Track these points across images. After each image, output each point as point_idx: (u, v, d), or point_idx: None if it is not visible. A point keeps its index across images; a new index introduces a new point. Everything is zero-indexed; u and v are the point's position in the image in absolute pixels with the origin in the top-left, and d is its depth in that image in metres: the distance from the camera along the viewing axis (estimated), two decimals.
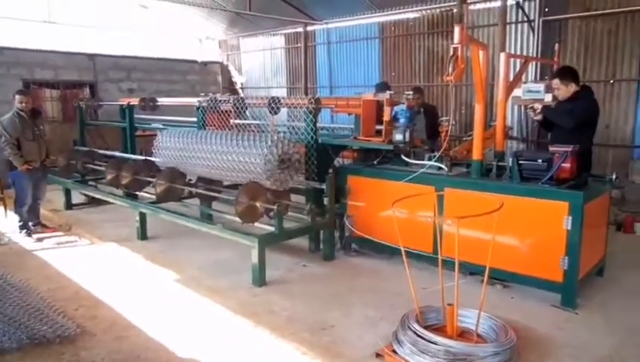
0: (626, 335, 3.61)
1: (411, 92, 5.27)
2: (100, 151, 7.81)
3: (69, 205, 7.62)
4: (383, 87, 7.54)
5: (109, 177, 6.51)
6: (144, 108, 8.07)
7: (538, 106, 4.87)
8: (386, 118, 5.05)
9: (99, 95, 11.13)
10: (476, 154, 4.52)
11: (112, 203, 6.85)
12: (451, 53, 3.79)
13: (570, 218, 3.89)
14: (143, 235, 6.04)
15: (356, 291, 4.43)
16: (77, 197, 7.77)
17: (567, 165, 4.17)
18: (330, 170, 5.40)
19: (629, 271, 4.94)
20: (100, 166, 7.09)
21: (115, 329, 3.74)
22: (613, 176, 4.53)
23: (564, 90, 4.84)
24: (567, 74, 4.89)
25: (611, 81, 7.05)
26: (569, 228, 3.90)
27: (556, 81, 4.87)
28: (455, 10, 8.06)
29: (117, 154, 7.51)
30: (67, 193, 7.61)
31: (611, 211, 6.09)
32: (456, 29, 3.80)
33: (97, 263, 5.27)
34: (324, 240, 5.29)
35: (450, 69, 3.76)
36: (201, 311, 4.07)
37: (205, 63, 13.63)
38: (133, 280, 4.77)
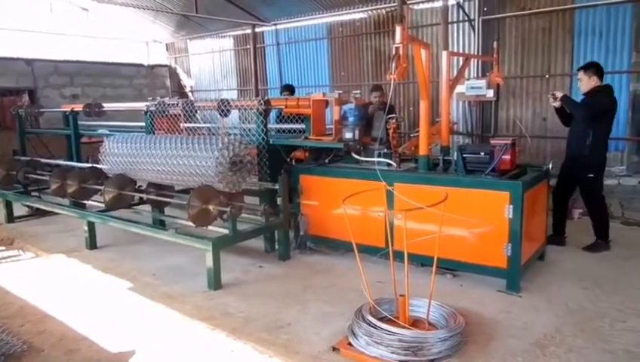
0: (565, 315, 3.85)
1: (358, 92, 5.37)
2: (43, 160, 7.50)
3: (11, 218, 7.26)
4: (287, 88, 7.75)
5: (53, 187, 6.28)
6: (89, 115, 7.82)
7: (559, 94, 5.22)
8: (336, 117, 5.14)
9: (39, 102, 10.68)
10: (422, 150, 4.67)
11: (58, 213, 6.61)
12: (394, 52, 3.92)
13: (511, 207, 4.10)
14: (92, 245, 5.86)
15: (312, 289, 4.49)
16: (19, 210, 7.42)
17: (507, 157, 4.40)
18: (283, 170, 5.44)
19: (567, 254, 5.25)
20: (44, 175, 6.81)
21: (64, 342, 3.62)
22: (550, 166, 4.80)
23: (586, 81, 5.17)
24: (591, 67, 5.22)
25: (547, 76, 7.45)
26: (510, 216, 4.11)
27: (580, 73, 5.24)
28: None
29: (61, 162, 7.24)
30: (8, 205, 7.25)
31: (551, 199, 6.46)
32: (398, 29, 3.92)
33: (43, 276, 5.07)
34: (278, 240, 5.32)
35: (393, 68, 3.89)
36: (156, 318, 4.00)
37: (152, 67, 13.35)
38: (83, 292, 4.63)
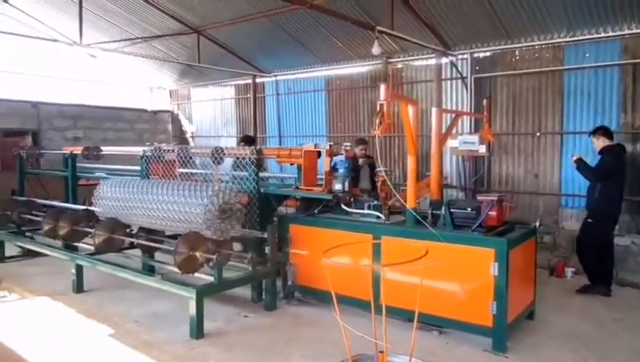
0: None
1: (349, 144, 5.48)
2: (39, 200, 7.55)
3: (2, 258, 7.25)
4: (246, 140, 7.85)
5: (46, 228, 6.28)
6: (87, 157, 7.94)
7: (575, 157, 5.79)
8: (326, 168, 5.21)
9: (41, 143, 10.87)
10: (410, 203, 4.70)
11: (49, 255, 6.58)
12: (378, 109, 4.03)
13: (497, 264, 4.08)
14: (79, 288, 5.81)
15: (296, 341, 4.41)
16: (11, 250, 7.40)
17: (493, 213, 4.42)
18: (275, 219, 5.46)
19: (558, 314, 5.17)
20: (38, 216, 6.84)
21: None
22: (537, 223, 4.81)
23: (596, 143, 5.80)
24: (598, 130, 5.86)
25: (537, 134, 7.59)
26: (496, 273, 4.08)
27: (592, 137, 5.84)
28: (399, 66, 8.52)
29: (56, 203, 7.28)
30: (0, 245, 7.25)
31: (544, 256, 6.44)
32: (382, 87, 4.05)
33: (25, 320, 4.99)
34: (266, 289, 5.27)
35: (377, 124, 3.98)
36: None
37: (155, 112, 13.65)
38: (62, 337, 4.55)
